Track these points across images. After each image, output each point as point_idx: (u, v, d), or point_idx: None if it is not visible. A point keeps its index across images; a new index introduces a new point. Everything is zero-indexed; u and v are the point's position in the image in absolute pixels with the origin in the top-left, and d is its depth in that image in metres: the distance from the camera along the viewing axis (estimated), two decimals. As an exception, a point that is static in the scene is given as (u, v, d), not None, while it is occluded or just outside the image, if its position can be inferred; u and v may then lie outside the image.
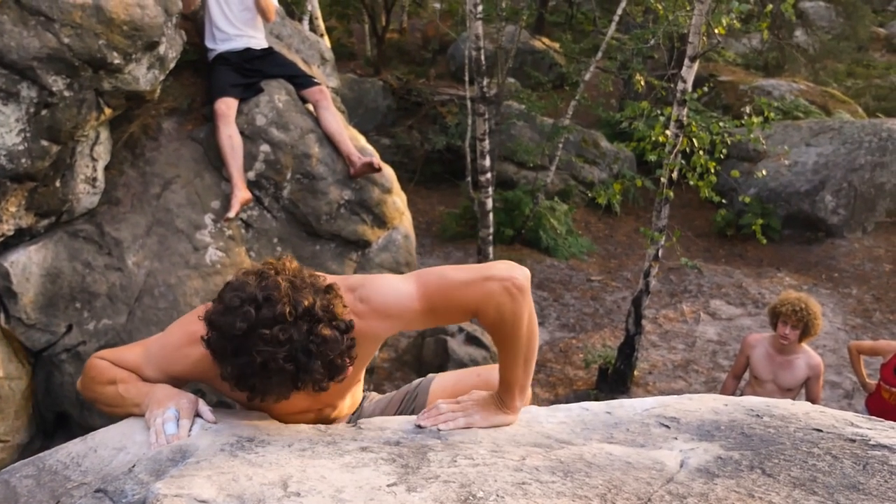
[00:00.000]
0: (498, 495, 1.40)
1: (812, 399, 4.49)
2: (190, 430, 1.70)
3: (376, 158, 4.86)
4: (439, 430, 1.78)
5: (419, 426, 1.80)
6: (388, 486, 1.44)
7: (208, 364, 1.67)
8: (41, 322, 4.07)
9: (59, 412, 4.29)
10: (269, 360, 1.55)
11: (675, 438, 1.71)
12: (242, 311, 1.56)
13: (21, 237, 4.08)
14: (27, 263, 4.04)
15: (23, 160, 3.80)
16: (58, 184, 4.09)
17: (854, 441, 1.64)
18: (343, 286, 1.76)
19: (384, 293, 1.80)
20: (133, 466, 1.55)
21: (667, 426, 1.77)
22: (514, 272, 1.79)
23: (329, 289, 1.67)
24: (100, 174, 4.30)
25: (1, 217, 3.89)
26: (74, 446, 1.73)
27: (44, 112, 3.81)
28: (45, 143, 3.86)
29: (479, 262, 8.54)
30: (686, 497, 1.42)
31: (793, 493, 1.42)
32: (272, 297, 1.57)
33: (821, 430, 1.71)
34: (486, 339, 7.09)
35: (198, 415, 1.76)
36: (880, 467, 1.51)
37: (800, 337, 4.47)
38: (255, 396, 1.63)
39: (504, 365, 1.85)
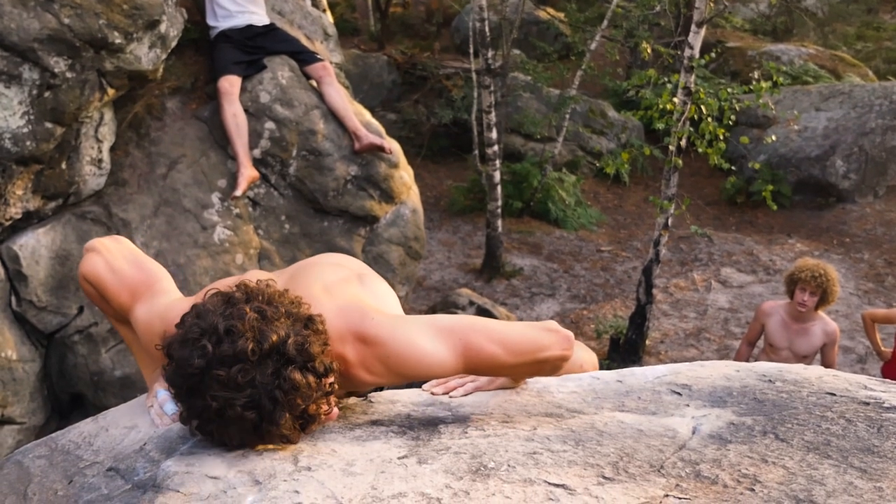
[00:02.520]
0: (509, 465, 1.40)
1: (828, 366, 4.48)
2: None
3: (386, 141, 4.83)
4: (450, 396, 1.77)
5: (432, 393, 1.80)
6: (399, 458, 1.44)
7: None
8: (52, 304, 4.09)
9: (74, 393, 4.33)
10: (226, 407, 1.33)
11: (687, 405, 1.70)
12: (200, 344, 1.34)
13: (29, 220, 4.09)
14: (36, 246, 4.05)
15: (27, 143, 3.79)
16: (63, 166, 4.08)
17: (868, 404, 1.63)
18: (355, 332, 1.52)
19: (412, 361, 1.52)
20: (144, 444, 1.56)
21: (678, 393, 1.76)
22: (566, 346, 1.60)
23: (310, 322, 1.43)
24: (105, 155, 4.29)
25: (8, 200, 3.90)
26: (86, 426, 1.74)
27: (47, 94, 3.80)
28: (49, 125, 3.85)
29: (489, 235, 8.53)
30: (699, 463, 1.41)
31: (806, 457, 1.41)
32: (234, 330, 1.34)
33: (834, 394, 1.69)
34: (498, 312, 7.09)
35: None
36: (895, 430, 1.50)
37: (817, 304, 4.45)
38: (217, 444, 1.44)
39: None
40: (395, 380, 1.60)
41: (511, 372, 1.68)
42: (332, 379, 1.42)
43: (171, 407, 1.62)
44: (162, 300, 1.65)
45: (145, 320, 1.64)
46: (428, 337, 1.53)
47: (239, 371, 1.32)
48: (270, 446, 1.44)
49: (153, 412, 1.66)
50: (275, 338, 1.34)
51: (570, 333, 1.65)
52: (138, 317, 1.66)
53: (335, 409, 1.48)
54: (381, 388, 1.87)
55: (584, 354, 2.06)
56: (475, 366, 1.58)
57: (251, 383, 1.32)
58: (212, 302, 1.42)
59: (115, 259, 1.74)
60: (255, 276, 1.59)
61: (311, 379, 1.37)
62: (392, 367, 1.53)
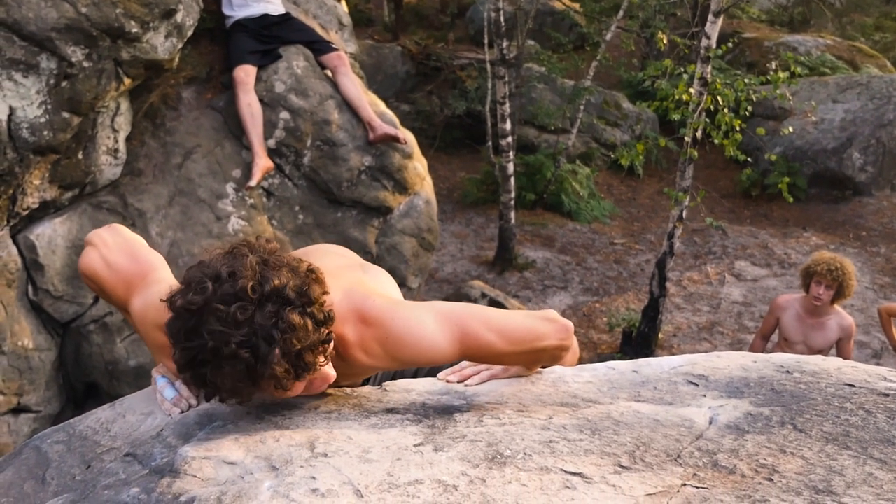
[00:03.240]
0: (525, 453, 1.40)
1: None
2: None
3: (401, 132, 4.82)
4: (465, 385, 1.77)
5: (447, 381, 1.80)
6: (415, 445, 1.44)
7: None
8: (68, 293, 4.11)
9: (89, 382, 4.36)
10: (222, 344, 1.31)
11: (704, 396, 1.69)
12: (202, 286, 1.34)
13: (46, 210, 4.11)
14: (52, 236, 4.07)
15: (45, 132, 3.81)
16: (80, 156, 4.10)
17: (887, 395, 1.62)
18: (356, 311, 1.53)
19: (410, 344, 1.54)
20: (161, 430, 1.56)
21: (695, 384, 1.75)
22: (563, 335, 1.63)
23: (310, 271, 1.43)
24: (121, 145, 4.31)
25: (25, 190, 3.92)
26: (103, 412, 1.74)
27: (64, 83, 3.81)
28: (66, 114, 3.87)
29: (501, 227, 8.52)
30: (716, 453, 1.41)
31: (825, 448, 1.40)
32: (236, 272, 1.35)
33: (853, 385, 1.68)
34: (510, 304, 7.08)
35: None
36: (914, 421, 1.48)
37: (833, 298, 4.41)
38: (210, 394, 1.42)
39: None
40: (392, 364, 1.61)
41: (508, 360, 1.69)
42: (329, 329, 1.42)
43: (170, 392, 1.63)
44: (156, 289, 1.61)
45: (140, 311, 1.64)
46: (427, 322, 1.55)
47: (238, 308, 1.31)
48: (267, 395, 1.43)
49: (158, 401, 1.67)
50: (276, 282, 1.35)
51: (569, 323, 1.66)
52: (134, 308, 1.66)
53: (331, 371, 1.47)
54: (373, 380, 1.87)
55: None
56: (472, 353, 1.60)
57: (249, 322, 1.31)
58: (214, 255, 1.43)
59: (111, 253, 1.73)
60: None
61: (310, 322, 1.36)
62: (389, 350, 1.54)
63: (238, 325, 1.31)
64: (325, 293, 1.43)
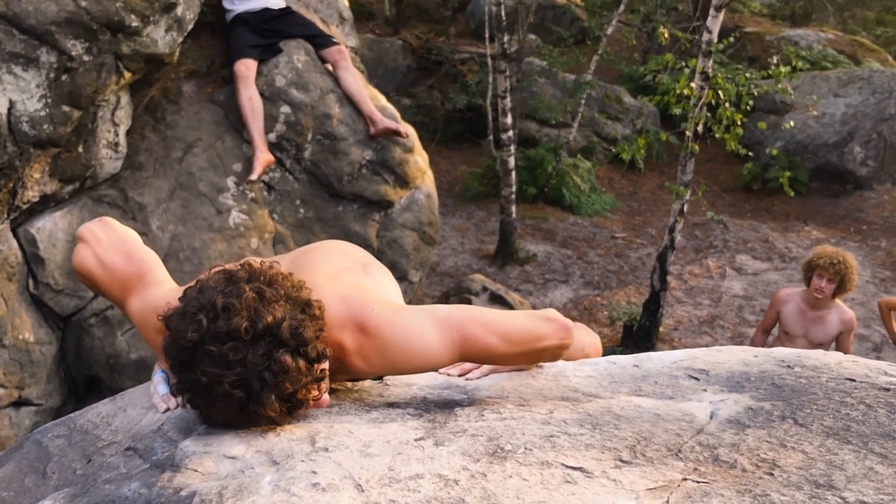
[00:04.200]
0: (526, 448, 1.40)
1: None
2: None
3: (401, 126, 4.82)
4: (466, 379, 1.77)
5: (448, 375, 1.80)
6: (416, 440, 1.44)
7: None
8: (69, 287, 4.11)
9: (90, 376, 4.36)
10: (215, 383, 1.33)
11: (705, 390, 1.69)
12: (196, 319, 1.35)
13: (46, 203, 4.11)
14: (53, 229, 4.07)
15: (45, 126, 3.81)
16: (80, 149, 4.10)
17: (888, 390, 1.61)
18: (355, 320, 1.53)
19: (410, 355, 1.55)
20: (162, 425, 1.56)
21: (696, 378, 1.75)
22: (564, 335, 1.63)
23: (307, 306, 1.43)
24: (122, 139, 4.31)
25: (26, 184, 3.92)
26: (104, 406, 1.75)
27: (64, 77, 3.81)
28: (66, 108, 3.87)
29: (502, 221, 8.51)
30: (717, 447, 1.41)
31: (826, 443, 1.40)
32: (231, 307, 1.35)
33: (854, 380, 1.68)
34: (511, 298, 7.08)
35: None
36: (915, 416, 1.48)
37: (835, 292, 4.41)
38: (204, 420, 1.45)
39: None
40: (391, 371, 1.62)
41: (509, 361, 1.70)
42: (324, 365, 1.42)
43: (163, 388, 1.65)
44: (154, 291, 1.63)
45: (140, 314, 1.64)
46: (426, 331, 1.55)
47: (231, 349, 1.32)
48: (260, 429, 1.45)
49: (151, 395, 1.69)
50: (269, 319, 1.35)
51: (569, 322, 1.66)
52: (133, 311, 1.66)
53: (326, 396, 1.48)
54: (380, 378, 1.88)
55: (588, 338, 2.08)
56: (473, 356, 1.60)
57: (242, 362, 1.33)
58: (214, 278, 1.43)
59: (105, 251, 1.70)
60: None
61: (302, 363, 1.37)
62: (389, 359, 1.55)
63: (230, 366, 1.32)
64: (321, 330, 1.43)
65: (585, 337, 2.07)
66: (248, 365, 1.33)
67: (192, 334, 1.34)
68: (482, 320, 1.57)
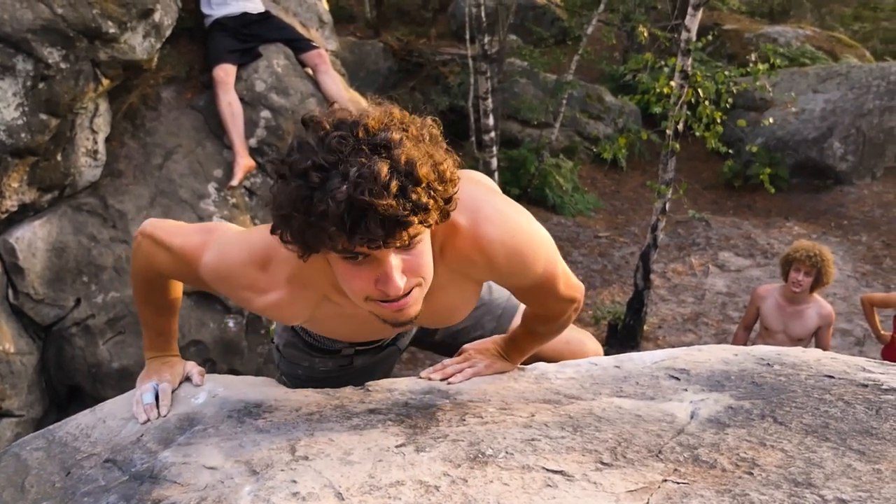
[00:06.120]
0: (507, 452, 1.40)
1: (822, 349, 4.48)
2: (174, 390, 1.71)
3: None
4: (448, 383, 1.77)
5: (429, 379, 1.80)
6: (397, 446, 1.43)
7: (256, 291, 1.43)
8: (49, 297, 4.08)
9: (72, 386, 4.32)
10: (302, 158, 1.21)
11: (685, 390, 1.69)
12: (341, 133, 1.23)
13: (25, 213, 4.07)
14: (32, 239, 4.04)
15: (22, 135, 3.78)
16: (59, 158, 4.07)
17: (866, 386, 1.63)
18: (477, 208, 1.49)
19: (528, 262, 1.53)
20: (141, 436, 1.55)
21: (676, 378, 1.76)
22: (581, 296, 1.73)
23: (448, 176, 1.35)
24: (101, 146, 4.28)
25: (4, 193, 3.88)
26: (83, 418, 1.73)
27: (41, 85, 3.78)
28: (43, 116, 3.83)
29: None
30: (697, 448, 1.41)
31: (805, 440, 1.41)
32: (366, 115, 1.26)
33: (832, 377, 1.69)
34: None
35: (187, 378, 1.76)
36: (893, 411, 1.49)
37: (812, 285, 4.44)
38: (294, 243, 1.25)
39: (526, 339, 1.85)
40: (480, 287, 1.65)
41: (559, 303, 1.69)
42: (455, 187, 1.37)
43: (148, 397, 1.66)
44: (226, 235, 1.52)
45: (215, 260, 1.48)
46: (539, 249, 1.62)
47: (339, 136, 1.21)
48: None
49: (134, 399, 1.69)
50: (395, 136, 1.25)
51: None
52: (206, 262, 1.49)
53: (429, 265, 1.34)
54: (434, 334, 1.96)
55: (591, 343, 2.11)
56: (540, 292, 1.63)
57: (338, 151, 1.21)
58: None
59: (166, 234, 1.60)
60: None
61: (395, 184, 1.21)
62: (502, 265, 1.51)
63: (330, 151, 1.20)
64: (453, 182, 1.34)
65: (590, 343, 2.14)
66: (344, 158, 1.19)
67: (322, 123, 1.24)
68: (563, 267, 1.65)
